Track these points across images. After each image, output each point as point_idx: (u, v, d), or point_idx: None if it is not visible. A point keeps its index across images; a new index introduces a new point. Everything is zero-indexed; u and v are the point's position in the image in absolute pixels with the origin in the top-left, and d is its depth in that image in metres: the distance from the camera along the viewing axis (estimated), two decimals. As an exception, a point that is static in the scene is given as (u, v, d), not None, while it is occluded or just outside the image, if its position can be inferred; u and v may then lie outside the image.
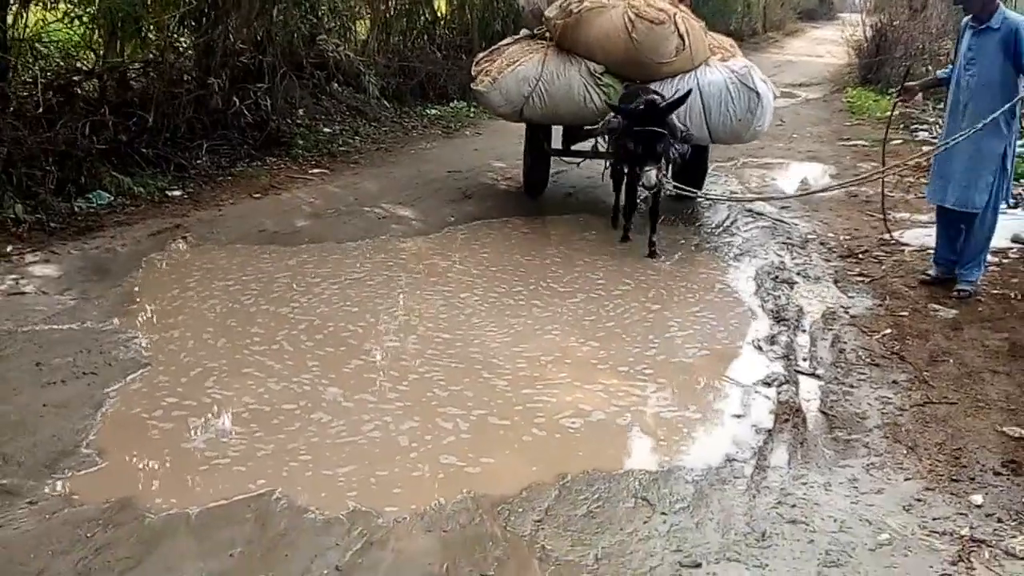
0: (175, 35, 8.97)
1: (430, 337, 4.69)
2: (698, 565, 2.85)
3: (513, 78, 6.85)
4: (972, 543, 3.02)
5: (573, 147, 7.76)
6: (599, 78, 6.77)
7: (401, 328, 4.83)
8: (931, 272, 5.71)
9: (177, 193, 7.37)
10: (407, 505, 3.16)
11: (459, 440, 3.66)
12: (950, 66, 5.73)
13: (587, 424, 3.81)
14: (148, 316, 4.86)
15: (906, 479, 3.44)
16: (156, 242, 6.08)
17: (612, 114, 6.38)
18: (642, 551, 2.92)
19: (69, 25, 8.16)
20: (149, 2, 8.55)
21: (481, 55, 7.63)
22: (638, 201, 6.50)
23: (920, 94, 6.36)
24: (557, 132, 7.98)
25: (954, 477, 3.46)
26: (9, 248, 5.68)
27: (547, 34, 7.28)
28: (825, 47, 24.89)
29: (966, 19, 5.34)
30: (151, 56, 8.72)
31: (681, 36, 6.61)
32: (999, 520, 3.17)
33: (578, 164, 7.72)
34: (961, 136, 5.02)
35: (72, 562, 2.77)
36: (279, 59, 9.46)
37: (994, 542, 3.04)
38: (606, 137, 6.78)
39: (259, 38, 9.45)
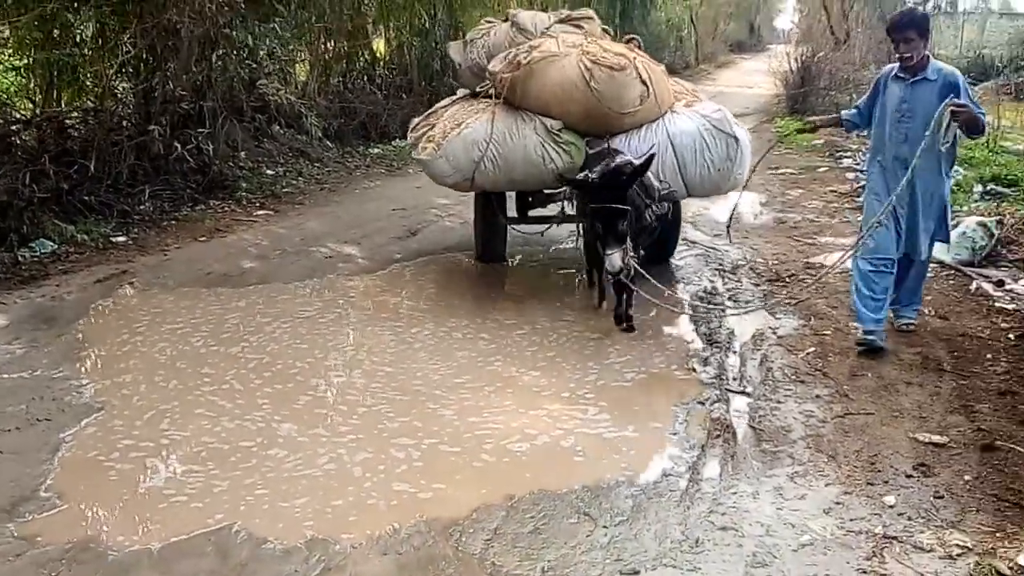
0: (113, 83, 9.07)
1: (379, 372, 4.86)
2: (636, 572, 3.06)
3: (460, 142, 6.08)
4: (885, 540, 3.28)
5: (537, 212, 7.01)
6: (557, 135, 6.08)
7: (349, 364, 4.99)
8: (870, 338, 5.11)
9: (122, 239, 7.44)
10: (363, 531, 3.31)
11: (411, 468, 3.83)
12: (854, 109, 5.60)
13: (533, 447, 4.02)
14: (99, 362, 4.94)
15: (826, 485, 3.70)
16: (103, 289, 6.15)
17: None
18: (585, 562, 3.12)
19: (4, 75, 8.23)
20: (87, 51, 8.67)
21: (416, 120, 6.89)
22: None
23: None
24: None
25: (870, 481, 3.72)
26: (-45, 298, 5.71)
27: (492, 91, 6.44)
28: (755, 78, 25.81)
29: (887, 72, 5.20)
30: (90, 104, 8.81)
31: (644, 82, 6.03)
32: (909, 518, 3.43)
33: (541, 233, 7.09)
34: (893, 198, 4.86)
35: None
36: (219, 104, 9.63)
37: (904, 538, 3.29)
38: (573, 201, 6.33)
39: (198, 83, 9.60)
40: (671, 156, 6.07)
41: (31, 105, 8.36)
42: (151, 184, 8.55)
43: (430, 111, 6.87)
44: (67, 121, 8.49)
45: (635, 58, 6.12)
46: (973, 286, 6.23)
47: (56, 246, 6.94)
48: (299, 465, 3.82)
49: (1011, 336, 5.32)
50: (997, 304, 5.89)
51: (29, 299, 5.88)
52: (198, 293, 6.15)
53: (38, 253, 6.77)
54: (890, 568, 3.10)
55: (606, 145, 5.91)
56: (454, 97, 7.19)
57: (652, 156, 5.50)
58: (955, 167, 5.76)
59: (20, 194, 7.02)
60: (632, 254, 5.20)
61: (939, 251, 7.08)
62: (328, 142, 11.82)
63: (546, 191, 6.60)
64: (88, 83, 8.89)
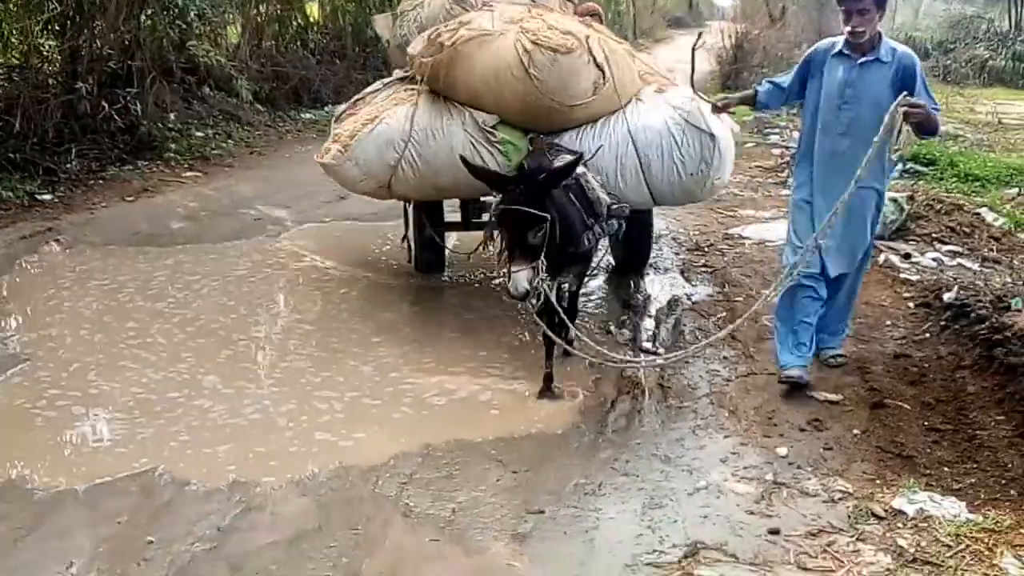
0: (39, 40, 8.88)
1: (302, 329, 5.00)
2: (542, 511, 3.29)
3: (372, 142, 5.01)
4: (774, 485, 3.55)
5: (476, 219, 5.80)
6: (491, 132, 4.98)
7: (273, 321, 5.13)
8: (795, 375, 4.38)
9: (47, 197, 7.38)
10: (284, 476, 3.48)
11: (333, 419, 3.99)
12: (769, 84, 4.66)
13: (450, 401, 4.21)
14: (24, 316, 4.99)
15: (725, 437, 3.97)
16: (28, 245, 6.14)
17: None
18: (493, 503, 3.34)
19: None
20: (12, 6, 8.48)
21: (342, 108, 5.73)
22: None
23: (734, 106, 4.97)
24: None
25: (766, 434, 4.00)
26: None
27: (417, 76, 5.31)
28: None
29: (825, 48, 4.31)
30: (15, 61, 8.63)
31: (599, 66, 4.88)
32: (798, 467, 3.71)
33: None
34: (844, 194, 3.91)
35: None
36: (148, 64, 9.50)
37: (792, 484, 3.56)
38: None
39: (127, 43, 9.44)
40: (632, 157, 4.97)
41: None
42: (78, 143, 8.45)
43: (358, 97, 5.72)
44: (-10, 77, 8.29)
45: (588, 37, 4.93)
46: (881, 258, 6.44)
47: (-30, 201, 6.85)
48: (224, 415, 3.96)
49: (911, 304, 5.66)
50: (902, 275, 6.16)
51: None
52: (125, 251, 6.18)
53: (-47, 207, 6.69)
54: (776, 510, 3.37)
55: (536, 141, 4.98)
56: (387, 80, 5.86)
57: (579, 158, 4.25)
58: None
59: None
60: (542, 275, 3.85)
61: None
62: (259, 106, 11.74)
63: (483, 199, 5.20)
64: (13, 39, 8.69)
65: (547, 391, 4.29)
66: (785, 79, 4.59)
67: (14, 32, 8.72)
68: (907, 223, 7.36)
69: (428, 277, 6.01)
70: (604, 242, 5.29)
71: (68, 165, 8.12)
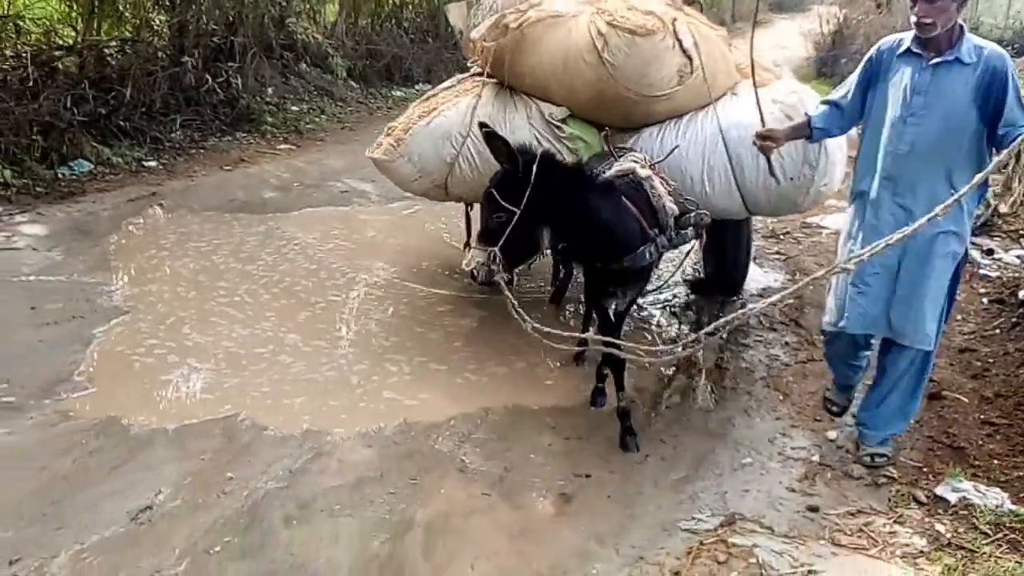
0: (150, 15, 9.42)
1: (374, 295, 5.29)
2: (588, 475, 3.48)
3: (427, 136, 4.64)
4: (819, 466, 3.67)
5: None
6: (559, 127, 4.50)
7: (349, 287, 5.42)
8: (831, 399, 4.01)
9: (153, 164, 7.87)
10: (352, 428, 3.76)
11: (401, 380, 4.26)
12: (826, 106, 3.64)
13: (511, 371, 4.43)
14: (128, 272, 5.39)
15: (776, 419, 4.09)
16: (134, 207, 6.59)
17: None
18: (543, 464, 3.55)
19: (48, 3, 8.60)
20: (126, -18, 9.02)
21: (415, 105, 5.07)
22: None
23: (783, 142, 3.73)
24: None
25: (817, 418, 4.10)
26: (0, 209, 6.18)
27: (480, 67, 4.82)
28: (791, 39, 25.63)
29: (890, 45, 3.39)
30: (127, 34, 9.17)
31: (686, 52, 4.30)
32: (847, 451, 3.80)
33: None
34: (912, 228, 2.73)
35: (69, 460, 3.37)
36: (249, 39, 9.93)
37: (837, 467, 3.67)
38: None
39: (231, 19, 9.91)
40: (722, 157, 4.35)
41: (73, 33, 8.71)
42: (182, 114, 8.93)
43: (430, 93, 5.18)
44: (106, 50, 8.83)
45: (675, 20, 4.34)
46: None
47: (92, 166, 7.38)
48: (302, 371, 4.26)
49: (984, 300, 5.61)
50: (982, 271, 6.08)
51: (67, 213, 6.32)
52: (221, 217, 6.58)
53: (76, 172, 7.21)
54: (818, 490, 3.49)
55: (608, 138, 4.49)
56: (461, 76, 5.34)
57: (537, 157, 3.38)
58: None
59: (61, 116, 7.43)
60: (498, 261, 3.35)
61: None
62: (352, 82, 12.12)
63: None
64: (127, 14, 9.23)
65: (579, 363, 4.50)
66: (844, 94, 3.56)
67: (128, 6, 9.25)
68: (994, 218, 7.21)
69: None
70: (679, 255, 4.86)
71: (172, 134, 8.62)
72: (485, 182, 3.88)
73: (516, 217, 3.32)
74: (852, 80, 3.54)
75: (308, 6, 11.76)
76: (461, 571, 2.87)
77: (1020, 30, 19.60)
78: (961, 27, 3.22)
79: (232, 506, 3.14)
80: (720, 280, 5.56)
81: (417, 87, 13.24)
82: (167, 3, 9.56)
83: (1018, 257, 6.44)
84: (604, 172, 3.83)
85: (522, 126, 4.53)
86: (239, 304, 5.01)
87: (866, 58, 3.52)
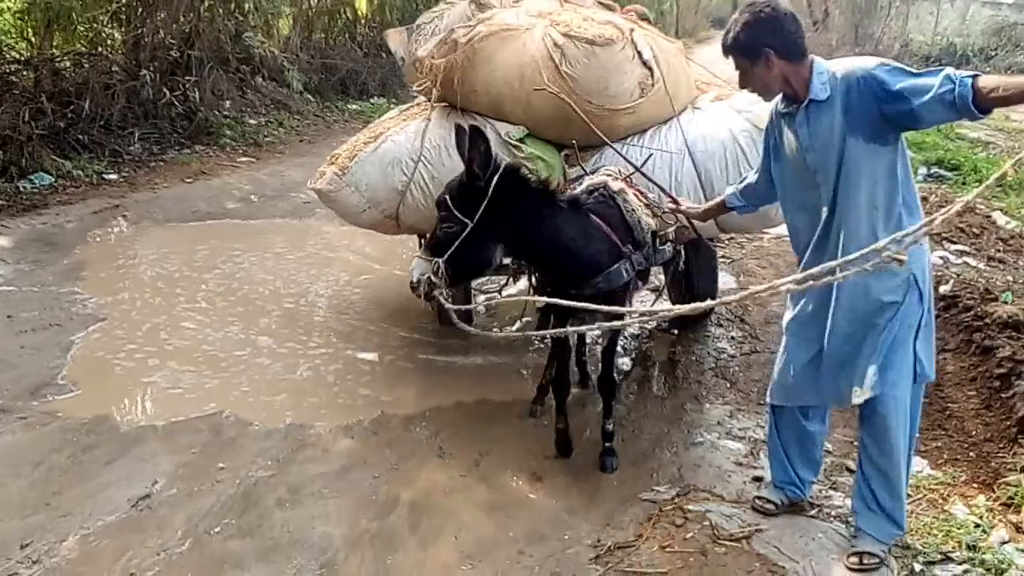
0: (107, 29, 9.52)
1: (345, 299, 5.52)
2: (557, 456, 3.76)
3: (375, 163, 4.33)
4: (762, 444, 3.99)
5: None
6: (517, 147, 4.22)
7: (309, 292, 5.66)
8: (769, 497, 3.38)
9: (113, 176, 7.99)
10: (333, 421, 3.99)
11: (375, 378, 4.50)
12: (743, 184, 3.41)
13: (481, 367, 4.69)
14: (98, 280, 5.57)
15: (724, 404, 4.42)
16: (98, 219, 6.72)
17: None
18: (516, 448, 3.82)
19: (2, 16, 8.67)
20: (81, -3, 9.11)
21: (360, 133, 4.72)
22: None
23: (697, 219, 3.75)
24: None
25: (760, 403, 4.43)
26: (-37, 222, 6.28)
27: (427, 89, 4.56)
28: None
29: (775, 108, 3.01)
30: (83, 49, 9.26)
31: (647, 64, 4.14)
32: None
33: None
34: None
35: (64, 456, 3.56)
36: (206, 53, 10.10)
37: (780, 445, 4.01)
38: None
39: (187, 33, 10.05)
40: (690, 172, 4.16)
41: (28, 46, 8.78)
42: (140, 127, 9.06)
43: (379, 121, 4.92)
44: (62, 64, 8.93)
45: (631, 30, 4.22)
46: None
47: (54, 180, 7.48)
48: (280, 371, 4.47)
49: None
50: None
51: (31, 225, 6.45)
52: (184, 228, 6.75)
53: (37, 185, 7.31)
54: (761, 463, 3.80)
55: (574, 157, 4.26)
56: (405, 106, 5.08)
57: (500, 169, 3.17)
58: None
59: (19, 130, 7.51)
60: (444, 281, 3.16)
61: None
62: (309, 96, 12.31)
63: None
64: (81, 28, 9.32)
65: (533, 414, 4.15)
66: (756, 175, 3.32)
67: (82, 21, 9.33)
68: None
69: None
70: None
71: (132, 147, 8.74)
72: None
73: (468, 229, 3.11)
74: (760, 155, 3.29)
75: (263, 20, 11.93)
76: (446, 541, 3.12)
77: (947, 46, 20.54)
78: (810, 65, 2.81)
79: (227, 492, 3.35)
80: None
81: (372, 101, 13.47)
82: (123, 18, 9.68)
83: (940, 258, 6.92)
84: (575, 188, 3.67)
85: None
86: (207, 311, 5.21)
87: (764, 134, 3.18)
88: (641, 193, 3.87)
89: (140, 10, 9.63)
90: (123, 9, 9.50)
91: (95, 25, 9.38)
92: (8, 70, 8.28)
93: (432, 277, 3.14)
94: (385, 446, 3.81)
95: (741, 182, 3.44)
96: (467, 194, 3.14)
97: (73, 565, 2.92)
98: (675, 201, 3.75)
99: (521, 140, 4.26)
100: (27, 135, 7.56)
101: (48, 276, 5.53)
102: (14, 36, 8.91)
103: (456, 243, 3.12)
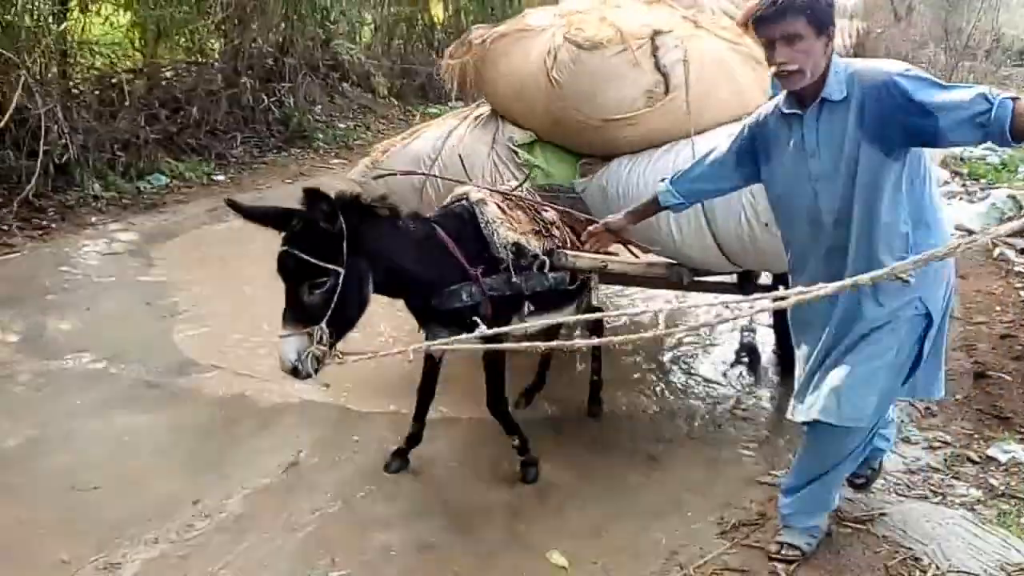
0: (209, 40, 9.97)
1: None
2: (670, 440, 3.89)
3: (401, 159, 4.24)
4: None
5: None
6: (516, 152, 4.04)
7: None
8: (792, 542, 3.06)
9: (221, 178, 8.40)
10: (454, 406, 4.13)
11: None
12: (678, 178, 3.07)
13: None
14: (224, 273, 5.89)
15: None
16: (213, 217, 7.09)
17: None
18: (635, 434, 3.96)
19: (115, 30, 9.16)
20: (185, 9, 9.56)
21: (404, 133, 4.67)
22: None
23: (629, 229, 3.33)
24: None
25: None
26: (93, 219, 6.73)
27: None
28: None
29: (767, 114, 2.75)
30: (188, 58, 9.73)
31: (662, 70, 3.74)
32: (902, 422, 4.07)
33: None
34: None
35: (215, 427, 3.86)
36: (299, 61, 10.47)
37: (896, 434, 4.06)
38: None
39: (281, 42, 10.45)
40: (696, 206, 3.39)
41: (140, 56, 9.27)
42: (241, 132, 9.48)
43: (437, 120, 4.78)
44: (170, 72, 9.39)
45: (657, 32, 3.78)
46: (996, 252, 6.62)
47: (168, 181, 7.92)
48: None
49: (1022, 294, 5.89)
50: (1016, 268, 6.38)
51: (155, 222, 6.88)
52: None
53: (155, 186, 7.75)
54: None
55: (585, 166, 4.01)
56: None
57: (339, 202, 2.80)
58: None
59: (137, 134, 7.95)
60: (329, 345, 2.75)
61: (968, 219, 7.17)
62: (392, 100, 12.64)
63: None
64: (185, 40, 9.78)
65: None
66: (711, 159, 3.00)
67: (186, 33, 9.79)
68: (1024, 219, 7.45)
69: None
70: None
71: (234, 151, 9.15)
72: None
73: (343, 276, 2.74)
74: (717, 150, 2.98)
75: (349, 27, 12.30)
76: (573, 512, 3.28)
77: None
78: (829, 62, 2.53)
79: (365, 462, 3.58)
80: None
81: (450, 104, 13.74)
82: (222, 28, 10.11)
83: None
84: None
85: (481, 149, 4.09)
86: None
87: (738, 134, 2.88)
88: (534, 207, 3.51)
89: (237, 21, 10.05)
90: (224, 20, 9.92)
91: (196, 36, 9.82)
92: (124, 79, 8.72)
93: (315, 350, 2.69)
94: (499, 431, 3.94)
95: (679, 175, 3.07)
96: (323, 241, 2.73)
97: (239, 519, 3.17)
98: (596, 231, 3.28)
99: (527, 145, 4.08)
100: (144, 139, 7.99)
101: (177, 268, 5.88)
102: (127, 47, 9.38)
103: (335, 298, 2.73)
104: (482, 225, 3.25)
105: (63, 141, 6.91)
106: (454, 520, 3.20)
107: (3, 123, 6.41)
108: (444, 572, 2.89)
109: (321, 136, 10.30)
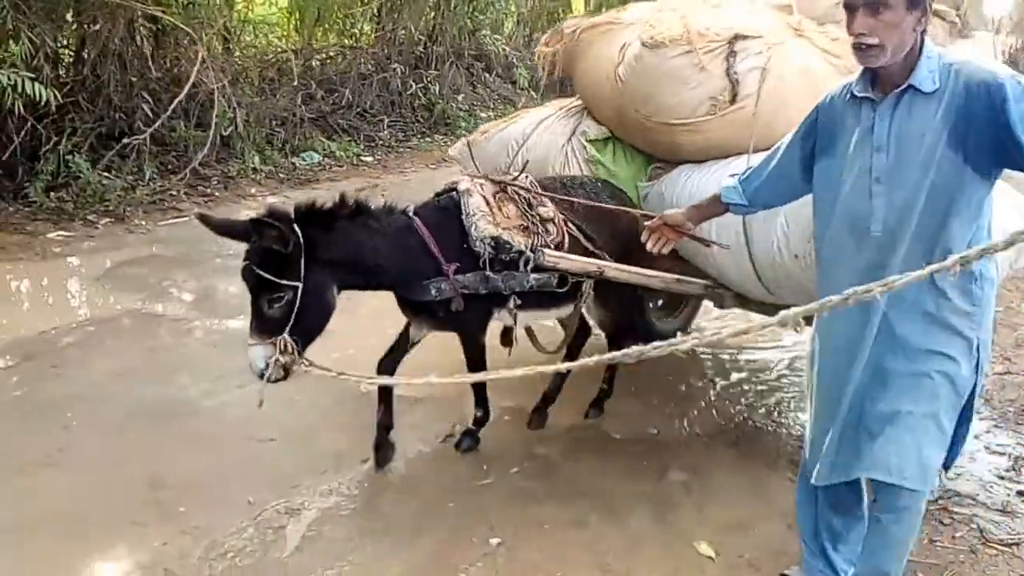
0: (360, 25, 10.41)
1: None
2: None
3: (496, 142, 4.23)
4: (1022, 461, 3.97)
5: None
6: (585, 146, 3.96)
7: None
8: None
9: (369, 159, 8.78)
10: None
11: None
12: (746, 175, 2.67)
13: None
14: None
15: (980, 419, 4.36)
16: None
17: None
18: (767, 439, 4.01)
19: (268, 11, 9.70)
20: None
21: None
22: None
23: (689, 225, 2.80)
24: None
25: (1019, 422, 4.38)
26: (253, 190, 7.17)
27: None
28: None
29: (837, 95, 2.38)
30: (341, 42, 10.19)
31: (732, 77, 3.43)
32: None
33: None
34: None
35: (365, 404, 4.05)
36: (447, 49, 10.80)
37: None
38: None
39: (431, 29, 10.80)
40: (737, 221, 3.19)
41: (299, 39, 9.77)
42: (388, 115, 9.86)
43: None
44: (326, 55, 9.86)
45: (737, 35, 3.48)
46: None
47: (321, 158, 8.32)
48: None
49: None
50: None
51: (309, 196, 7.17)
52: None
53: (308, 163, 8.16)
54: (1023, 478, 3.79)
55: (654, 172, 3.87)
56: None
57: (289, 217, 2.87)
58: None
59: (294, 112, 8.41)
60: (297, 353, 2.84)
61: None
62: (532, 92, 12.85)
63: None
64: (339, 24, 10.25)
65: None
66: (772, 160, 2.60)
67: (341, 18, 10.26)
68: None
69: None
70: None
71: (381, 134, 9.55)
72: None
73: (301, 291, 2.79)
74: (780, 146, 2.58)
75: (494, 18, 12.57)
76: (719, 505, 3.34)
77: None
78: (920, 43, 2.19)
79: (516, 439, 3.77)
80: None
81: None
82: (375, 14, 10.54)
83: None
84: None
85: (559, 139, 4.06)
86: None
87: (806, 121, 2.48)
88: (528, 199, 3.34)
89: (391, 8, 10.45)
90: (380, 7, 10.34)
91: (351, 21, 10.28)
92: (283, 58, 9.23)
93: (281, 357, 2.80)
94: (649, 424, 4.04)
95: (750, 171, 2.67)
96: (279, 258, 2.77)
97: (405, 478, 3.44)
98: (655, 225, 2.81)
99: (598, 141, 3.98)
100: (300, 117, 8.44)
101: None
102: (286, 29, 9.90)
103: (294, 311, 2.79)
104: (463, 217, 3.18)
105: (231, 115, 7.38)
106: (605, 503, 3.32)
107: (183, 96, 6.89)
108: (595, 549, 3.01)
109: (463, 124, 10.59)
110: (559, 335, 3.92)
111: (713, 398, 4.35)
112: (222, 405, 3.93)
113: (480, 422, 3.62)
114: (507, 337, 3.47)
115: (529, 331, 3.81)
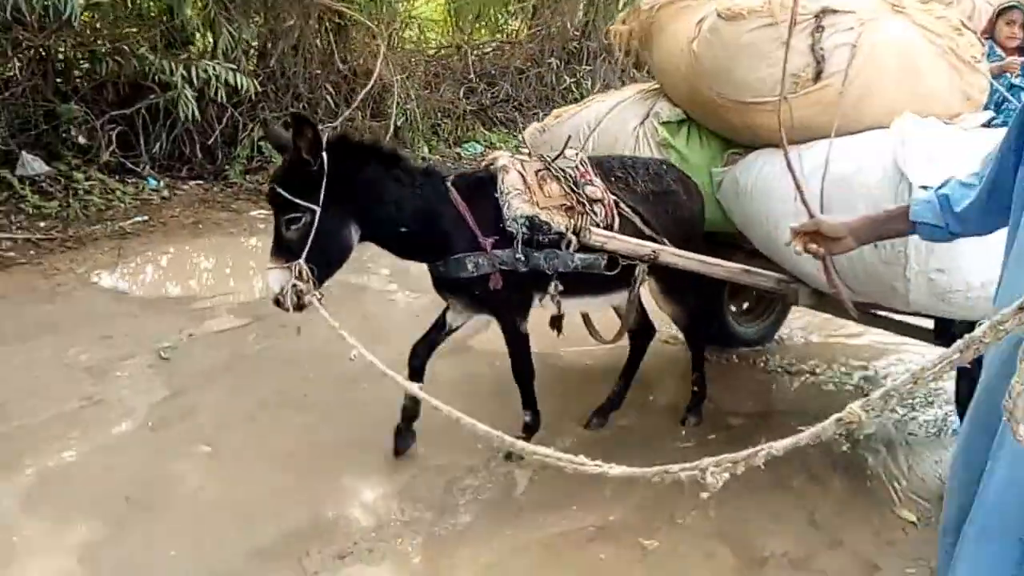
0: (519, 21, 10.76)
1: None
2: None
3: (569, 126, 4.06)
4: None
5: None
6: (658, 130, 3.77)
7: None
8: None
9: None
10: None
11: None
12: (943, 192, 2.04)
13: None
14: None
15: None
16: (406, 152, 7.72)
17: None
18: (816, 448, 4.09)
19: (431, 9, 10.16)
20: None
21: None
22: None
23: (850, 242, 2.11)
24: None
25: None
26: (423, 180, 7.64)
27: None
28: None
29: None
30: (501, 38, 10.57)
31: (817, 53, 3.15)
32: None
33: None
34: None
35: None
36: (600, 45, 11.01)
37: None
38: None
39: (585, 24, 11.04)
40: (814, 198, 2.92)
41: (459, 34, 10.21)
42: (543, 109, 10.12)
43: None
44: (486, 51, 10.26)
45: (823, 12, 3.17)
46: None
47: (482, 149, 8.72)
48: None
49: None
50: None
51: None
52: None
53: (471, 153, 8.58)
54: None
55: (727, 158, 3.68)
56: None
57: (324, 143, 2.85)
58: None
59: (457, 104, 8.84)
60: (312, 283, 2.84)
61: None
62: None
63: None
64: (499, 21, 10.62)
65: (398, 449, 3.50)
66: (982, 172, 1.99)
67: (499, 15, 10.63)
68: None
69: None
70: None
71: (536, 129, 9.86)
72: None
73: (318, 216, 2.80)
74: (990, 157, 1.98)
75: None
76: (781, 494, 3.32)
77: None
78: None
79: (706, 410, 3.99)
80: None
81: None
82: (532, 9, 10.87)
83: None
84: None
85: (631, 121, 3.88)
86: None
87: (1015, 125, 1.91)
88: (574, 180, 3.18)
89: (544, 3, 10.76)
90: (538, 4, 10.68)
91: (509, 17, 10.63)
92: (446, 53, 9.69)
93: (297, 283, 2.80)
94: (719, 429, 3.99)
95: (942, 187, 2.06)
96: (302, 178, 2.82)
97: (615, 439, 3.74)
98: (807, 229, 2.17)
99: (670, 124, 3.79)
100: (463, 110, 8.86)
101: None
102: (448, 25, 10.36)
103: (311, 236, 2.81)
104: (497, 195, 3.08)
105: (408, 106, 7.86)
106: (810, 470, 3.47)
107: (369, 88, 7.39)
108: (802, 508, 3.23)
109: (613, 117, 10.80)
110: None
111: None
112: (438, 365, 4.12)
113: (530, 429, 3.41)
114: (557, 322, 3.37)
115: (586, 318, 3.77)
